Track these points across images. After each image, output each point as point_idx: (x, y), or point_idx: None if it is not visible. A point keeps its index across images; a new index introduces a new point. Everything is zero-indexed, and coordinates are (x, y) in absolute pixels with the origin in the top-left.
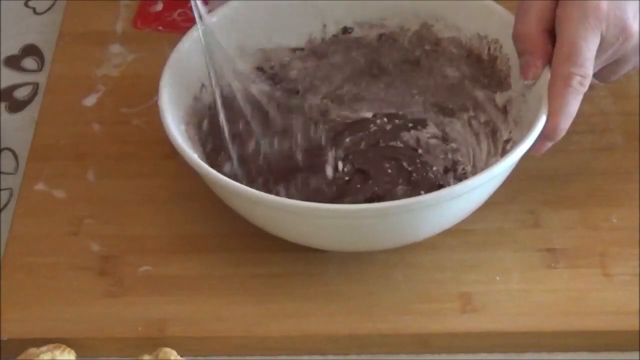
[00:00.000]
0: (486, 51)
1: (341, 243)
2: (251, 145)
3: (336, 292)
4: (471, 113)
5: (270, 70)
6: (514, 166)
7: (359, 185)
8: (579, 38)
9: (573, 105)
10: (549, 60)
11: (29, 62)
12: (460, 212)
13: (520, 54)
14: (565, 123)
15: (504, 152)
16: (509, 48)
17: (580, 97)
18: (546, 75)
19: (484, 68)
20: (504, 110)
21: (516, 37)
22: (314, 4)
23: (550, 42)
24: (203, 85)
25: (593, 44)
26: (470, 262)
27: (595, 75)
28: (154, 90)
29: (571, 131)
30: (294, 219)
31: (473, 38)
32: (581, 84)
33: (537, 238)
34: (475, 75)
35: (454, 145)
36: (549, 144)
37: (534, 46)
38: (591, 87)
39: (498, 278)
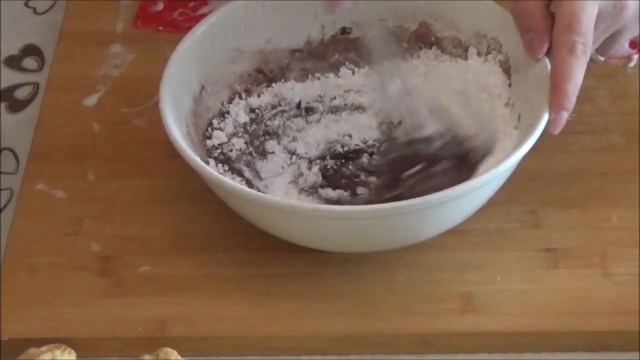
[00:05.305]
0: (485, 50)
1: (342, 244)
2: None
3: (336, 292)
4: None
5: (269, 74)
6: (515, 166)
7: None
8: (577, 8)
9: (579, 74)
10: (551, 36)
11: (29, 62)
12: (463, 212)
13: (522, 31)
14: (575, 92)
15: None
16: (508, 47)
17: (584, 66)
18: (545, 66)
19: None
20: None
21: (517, 14)
22: (313, 4)
23: (551, 16)
24: (203, 87)
25: (592, 13)
26: (470, 262)
27: (595, 49)
28: (154, 90)
29: (571, 131)
30: (294, 220)
31: (472, 37)
32: (584, 52)
33: (537, 238)
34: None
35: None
36: (566, 115)
37: (537, 22)
38: (592, 61)
39: (498, 278)
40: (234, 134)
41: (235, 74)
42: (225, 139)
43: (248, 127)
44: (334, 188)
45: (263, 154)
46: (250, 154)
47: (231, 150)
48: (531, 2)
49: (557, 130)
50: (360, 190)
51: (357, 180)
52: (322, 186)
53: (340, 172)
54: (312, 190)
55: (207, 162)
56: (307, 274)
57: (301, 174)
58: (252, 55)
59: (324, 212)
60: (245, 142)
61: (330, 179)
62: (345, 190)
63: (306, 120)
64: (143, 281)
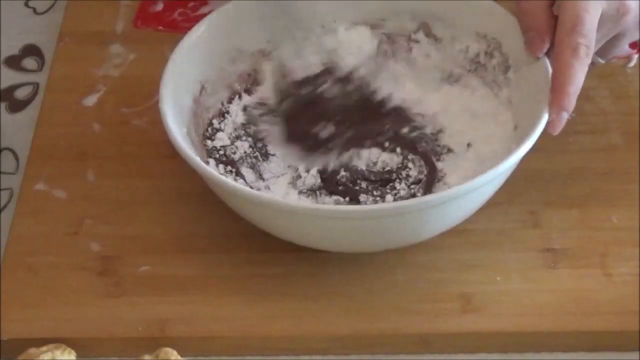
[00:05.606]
0: (485, 50)
1: (342, 244)
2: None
3: (336, 292)
4: None
5: None
6: (515, 166)
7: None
8: (581, 9)
9: (581, 76)
10: (553, 36)
11: (29, 62)
12: (463, 212)
13: (524, 30)
14: (576, 94)
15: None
16: (508, 47)
17: (586, 69)
18: (545, 67)
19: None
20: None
21: (520, 13)
22: (312, 4)
23: (553, 17)
24: (203, 87)
25: (595, 15)
26: (470, 262)
27: (596, 52)
28: (155, 91)
29: (571, 131)
30: (294, 220)
31: (472, 37)
32: (587, 54)
33: (537, 238)
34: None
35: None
36: (566, 116)
37: (539, 21)
38: (592, 63)
39: (498, 278)
40: (238, 137)
41: (235, 74)
42: (228, 142)
43: (249, 129)
44: (331, 194)
45: (266, 155)
46: (255, 157)
47: (234, 153)
48: (534, 2)
49: (556, 131)
50: (362, 197)
51: (355, 188)
52: (319, 189)
53: (336, 178)
54: (310, 193)
55: (207, 162)
56: (307, 274)
57: (299, 176)
58: (252, 54)
59: (324, 212)
60: (251, 146)
61: (327, 182)
62: (344, 197)
63: None
64: (143, 281)
